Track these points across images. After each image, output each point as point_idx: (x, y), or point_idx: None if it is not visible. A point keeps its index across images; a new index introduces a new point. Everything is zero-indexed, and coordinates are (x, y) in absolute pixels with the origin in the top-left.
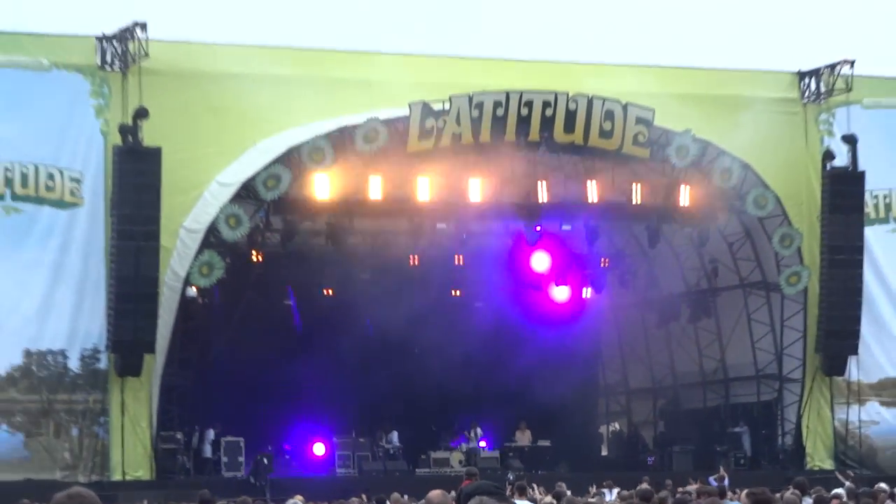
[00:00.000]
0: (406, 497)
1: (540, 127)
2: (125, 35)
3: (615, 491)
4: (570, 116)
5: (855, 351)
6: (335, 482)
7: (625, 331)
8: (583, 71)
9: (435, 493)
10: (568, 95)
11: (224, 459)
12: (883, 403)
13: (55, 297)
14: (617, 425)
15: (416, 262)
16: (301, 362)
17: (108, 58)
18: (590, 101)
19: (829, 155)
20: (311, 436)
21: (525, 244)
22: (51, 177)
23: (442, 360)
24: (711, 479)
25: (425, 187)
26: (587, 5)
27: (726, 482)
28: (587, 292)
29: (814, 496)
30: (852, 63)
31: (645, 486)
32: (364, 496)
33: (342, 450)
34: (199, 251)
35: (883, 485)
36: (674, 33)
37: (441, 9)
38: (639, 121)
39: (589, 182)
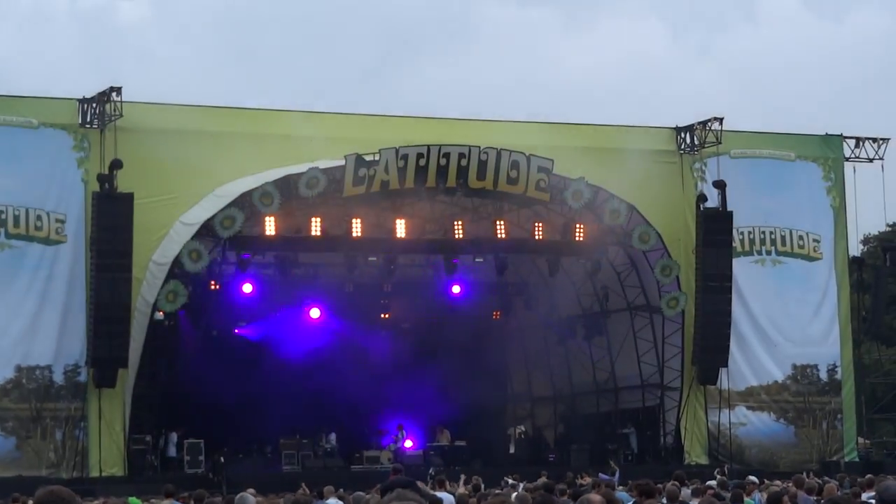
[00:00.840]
0: (341, 490)
1: (456, 175)
2: (103, 98)
3: (521, 484)
4: (482, 166)
5: (725, 364)
6: (282, 477)
7: (529, 347)
8: (493, 127)
9: None
10: (480, 148)
11: (186, 458)
12: (749, 408)
13: (42, 320)
14: (523, 427)
15: (351, 289)
16: (253, 374)
17: (88, 117)
18: (498, 153)
19: (702, 198)
20: (261, 437)
21: (444, 274)
22: (39, 218)
23: (373, 372)
24: (602, 475)
25: (358, 226)
26: (499, 70)
27: (617, 475)
28: (497, 315)
29: (692, 487)
30: (721, 120)
31: (544, 479)
32: (305, 488)
33: (287, 449)
34: (166, 281)
35: (752, 477)
36: (571, 95)
37: (369, 73)
38: (540, 169)
39: (498, 221)
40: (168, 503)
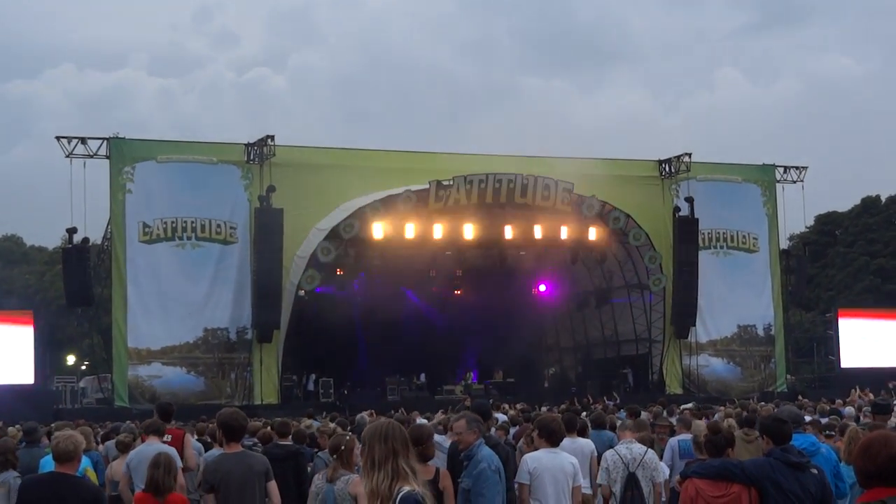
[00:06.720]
0: (428, 413)
1: (506, 194)
2: (261, 143)
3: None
4: (524, 188)
5: (693, 324)
6: (387, 403)
7: (558, 313)
8: (530, 161)
9: (458, 423)
10: (522, 175)
11: (321, 391)
12: (710, 354)
13: (221, 296)
14: (553, 369)
15: (434, 274)
16: (366, 332)
17: (252, 156)
18: (535, 179)
19: (677, 209)
20: (373, 376)
21: (498, 262)
22: (218, 226)
23: (452, 331)
24: (608, 400)
25: (439, 229)
26: (533, 122)
27: (618, 401)
28: (535, 290)
29: (671, 408)
30: (690, 155)
31: (568, 404)
32: (402, 410)
33: (391, 384)
34: (305, 269)
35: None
36: (583, 139)
37: (443, 124)
38: (564, 190)
39: (535, 226)
40: (309, 422)
